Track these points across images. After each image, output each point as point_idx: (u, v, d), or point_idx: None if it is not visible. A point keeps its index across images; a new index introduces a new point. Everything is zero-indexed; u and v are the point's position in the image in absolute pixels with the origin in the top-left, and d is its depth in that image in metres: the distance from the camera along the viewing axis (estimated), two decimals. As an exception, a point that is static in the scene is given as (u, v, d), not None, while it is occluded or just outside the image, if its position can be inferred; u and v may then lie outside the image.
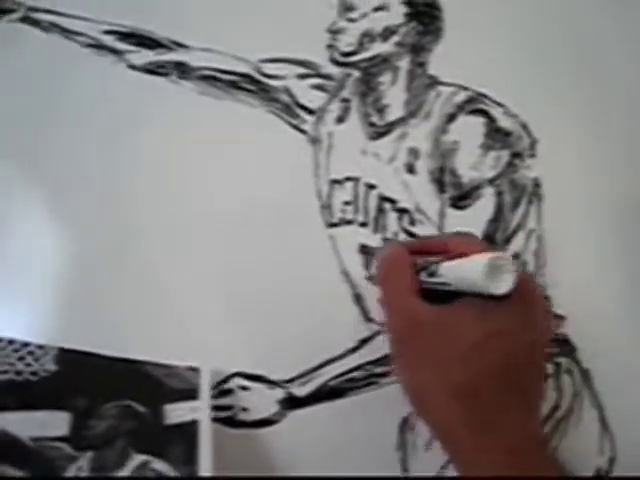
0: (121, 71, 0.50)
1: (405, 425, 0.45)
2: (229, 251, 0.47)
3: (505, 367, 0.33)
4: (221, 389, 0.45)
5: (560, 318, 0.47)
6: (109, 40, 0.51)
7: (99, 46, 0.51)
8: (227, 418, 0.45)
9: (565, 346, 0.46)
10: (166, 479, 0.38)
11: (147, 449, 0.38)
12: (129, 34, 0.51)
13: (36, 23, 0.51)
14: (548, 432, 0.46)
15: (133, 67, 0.51)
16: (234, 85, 0.50)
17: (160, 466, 0.37)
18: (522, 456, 0.32)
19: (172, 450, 0.38)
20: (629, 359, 0.47)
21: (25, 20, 0.52)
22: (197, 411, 0.41)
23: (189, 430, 0.40)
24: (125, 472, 0.36)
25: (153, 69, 0.51)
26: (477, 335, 0.34)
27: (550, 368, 0.46)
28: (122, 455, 0.37)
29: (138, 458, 0.37)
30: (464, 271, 0.34)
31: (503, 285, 0.33)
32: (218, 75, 0.50)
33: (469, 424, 0.33)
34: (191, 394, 0.42)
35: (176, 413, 0.40)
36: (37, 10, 0.52)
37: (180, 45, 0.51)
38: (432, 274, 0.37)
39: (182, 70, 0.50)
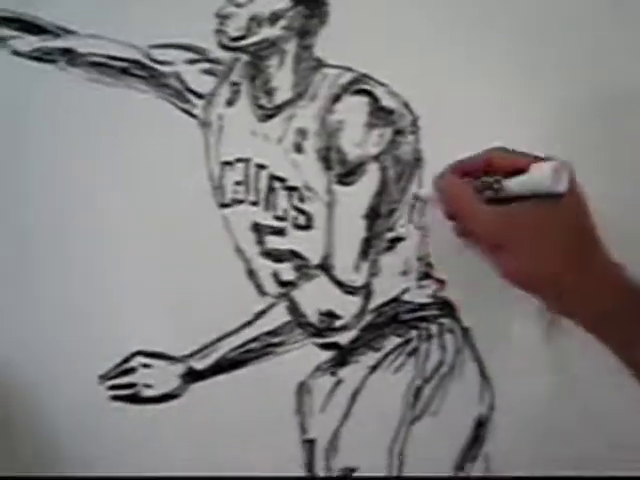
0: (5, 57, 0.50)
1: (302, 388, 0.48)
2: (126, 233, 0.49)
3: (587, 237, 0.44)
4: (123, 368, 0.47)
5: (441, 282, 0.51)
6: None
7: (-21, 32, 0.50)
8: (130, 395, 0.47)
9: (446, 307, 0.51)
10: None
11: None
12: (12, 19, 0.51)
13: None
14: (434, 385, 0.50)
15: (18, 53, 0.50)
16: (124, 71, 0.51)
17: None
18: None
19: None
20: (504, 316, 0.51)
21: None
22: None
23: None
24: None
25: (39, 56, 0.50)
26: (564, 221, 0.43)
27: (434, 329, 0.51)
28: None
29: None
30: (532, 180, 0.43)
31: (563, 184, 0.42)
32: (107, 62, 0.51)
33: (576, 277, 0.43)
34: None
35: None
36: None
37: (66, 31, 0.51)
38: (497, 190, 0.45)
39: (70, 57, 0.50)
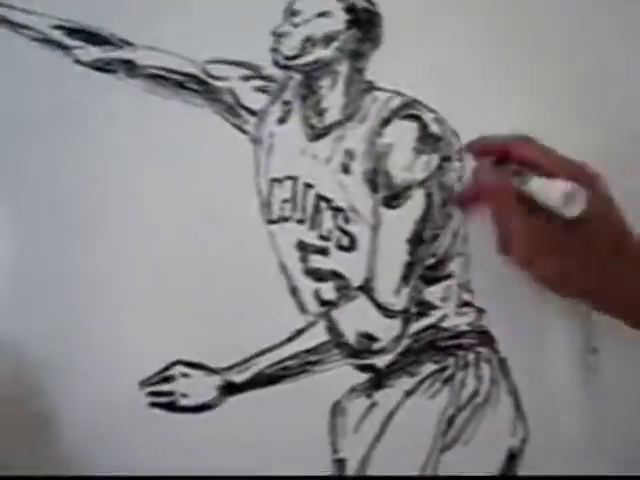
0: (68, 66, 0.52)
1: (336, 408, 0.49)
2: (173, 246, 0.50)
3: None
4: (163, 376, 0.48)
5: (480, 311, 0.51)
6: (57, 35, 0.52)
7: (47, 40, 0.52)
8: (168, 403, 0.48)
9: (485, 337, 0.50)
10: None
11: None
12: (77, 30, 0.52)
13: (-18, 15, 0.52)
14: (468, 415, 0.50)
15: (80, 63, 0.52)
16: (180, 85, 0.52)
17: None
18: None
19: None
20: (542, 349, 0.51)
21: (-29, 12, 0.52)
22: None
23: None
24: None
25: (100, 66, 0.52)
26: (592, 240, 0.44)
27: (471, 357, 0.50)
28: None
29: None
30: (547, 191, 0.42)
31: (574, 210, 0.41)
32: (165, 74, 0.52)
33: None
34: None
35: None
36: (-16, 2, 0.52)
37: (127, 43, 0.52)
38: (523, 182, 0.44)
39: (129, 68, 0.52)
